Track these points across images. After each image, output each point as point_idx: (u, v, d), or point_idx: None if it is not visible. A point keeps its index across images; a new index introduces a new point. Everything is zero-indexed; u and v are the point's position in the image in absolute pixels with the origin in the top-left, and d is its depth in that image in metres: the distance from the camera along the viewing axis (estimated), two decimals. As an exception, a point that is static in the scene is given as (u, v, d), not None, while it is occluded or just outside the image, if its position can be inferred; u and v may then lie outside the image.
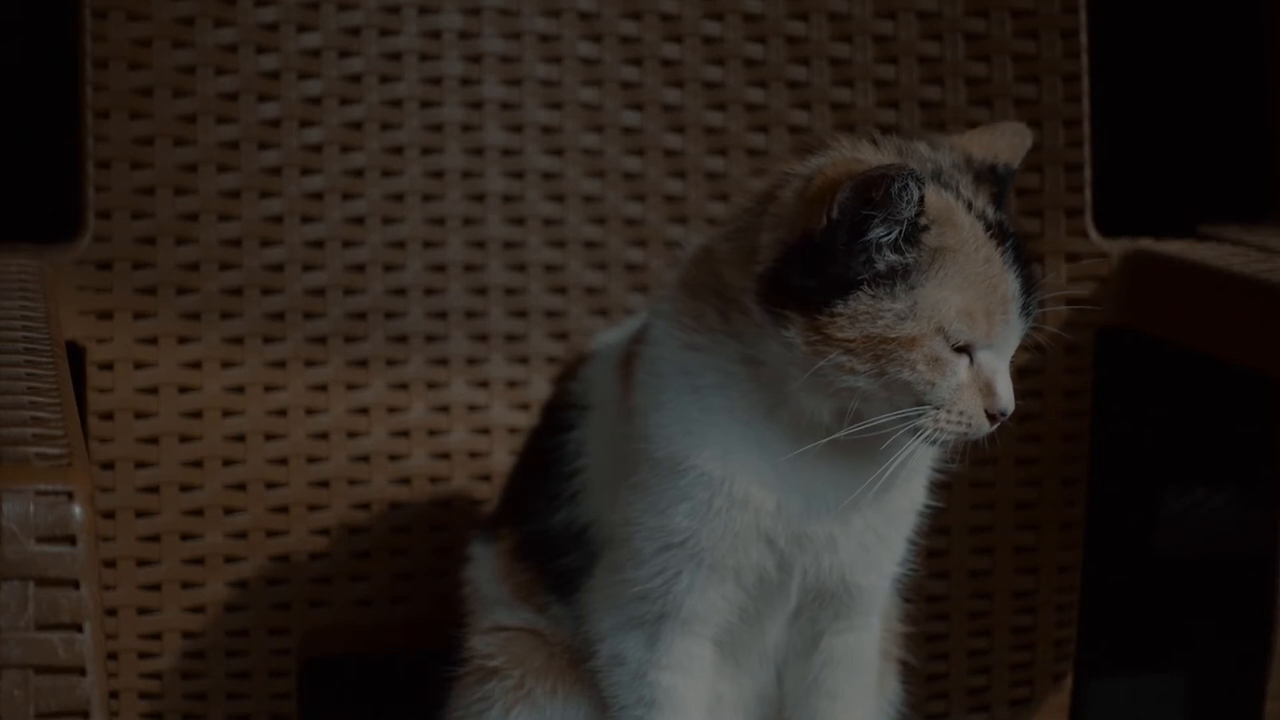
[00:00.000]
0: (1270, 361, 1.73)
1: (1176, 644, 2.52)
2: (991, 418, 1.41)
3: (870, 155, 1.43)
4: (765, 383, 1.44)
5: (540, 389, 1.84)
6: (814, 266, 1.38)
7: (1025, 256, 1.43)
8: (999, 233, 1.41)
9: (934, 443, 1.41)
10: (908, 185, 1.36)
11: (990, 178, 1.46)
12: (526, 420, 1.85)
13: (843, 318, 1.38)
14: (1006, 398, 1.41)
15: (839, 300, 1.38)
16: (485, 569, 1.65)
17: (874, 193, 1.36)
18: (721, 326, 1.45)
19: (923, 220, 1.37)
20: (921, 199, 1.37)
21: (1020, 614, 1.95)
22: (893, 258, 1.37)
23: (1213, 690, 2.47)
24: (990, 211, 1.43)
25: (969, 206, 1.41)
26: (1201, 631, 2.50)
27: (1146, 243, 1.92)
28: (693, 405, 1.46)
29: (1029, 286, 1.42)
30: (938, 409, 1.39)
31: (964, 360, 1.40)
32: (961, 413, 1.40)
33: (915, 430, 1.40)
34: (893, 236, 1.37)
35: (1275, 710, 1.81)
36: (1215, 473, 2.53)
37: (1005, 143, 1.50)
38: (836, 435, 1.42)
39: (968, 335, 1.39)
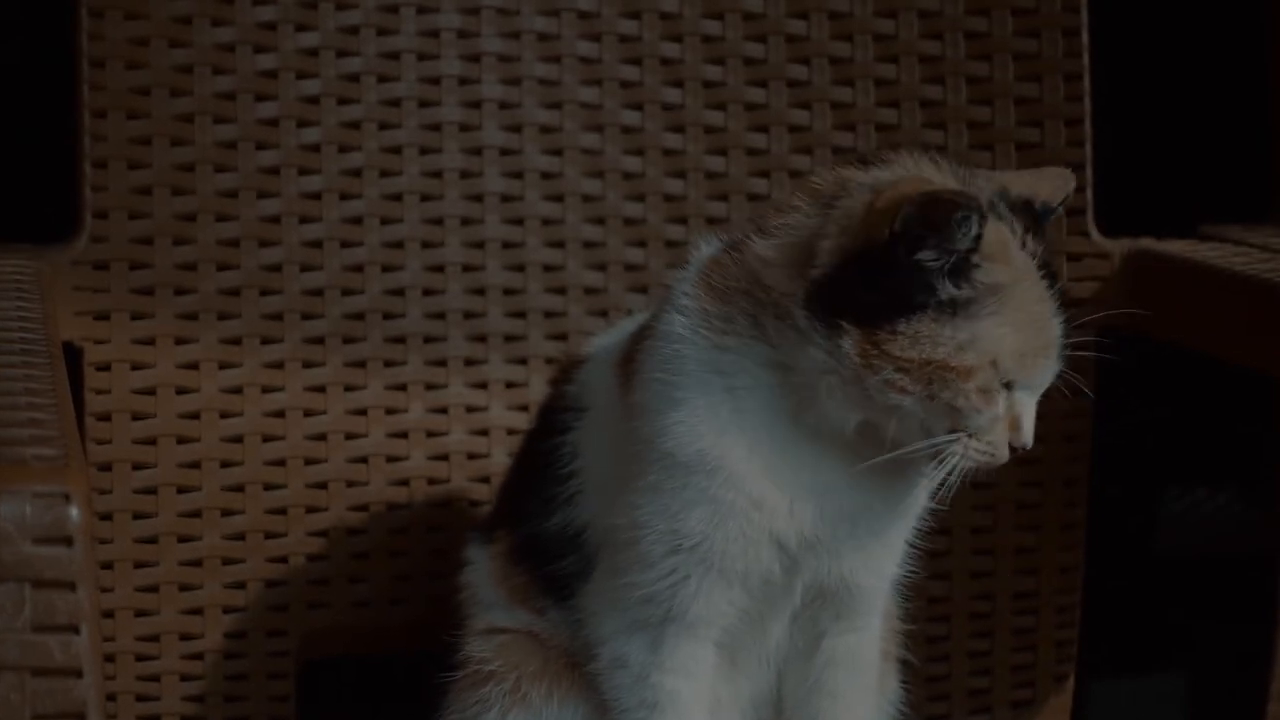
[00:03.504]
0: (1272, 361, 1.73)
1: (1178, 645, 2.52)
2: (1012, 450, 1.43)
3: (934, 175, 1.42)
4: (791, 390, 1.44)
5: (539, 390, 1.84)
6: (875, 279, 1.38)
7: (1064, 300, 1.44)
8: (1049, 273, 1.42)
9: (955, 468, 1.42)
10: (970, 218, 1.36)
11: (1025, 212, 1.45)
12: (525, 421, 1.85)
13: (904, 337, 1.38)
14: (1029, 433, 1.43)
15: (901, 319, 1.38)
16: (481, 572, 1.64)
17: (935, 214, 1.36)
18: (750, 331, 1.44)
19: (975, 258, 1.37)
20: (979, 236, 1.37)
21: (1022, 615, 1.95)
22: (953, 290, 1.38)
23: (1215, 691, 2.47)
24: (1039, 250, 1.43)
25: (1024, 244, 1.42)
26: (1203, 632, 2.49)
27: (1148, 243, 1.92)
28: (725, 405, 1.44)
29: (1066, 331, 1.43)
30: (970, 436, 1.41)
31: (1004, 394, 1.41)
32: (990, 443, 1.41)
33: (943, 456, 1.41)
34: (943, 265, 1.37)
35: (1278, 711, 1.80)
36: (1217, 473, 2.53)
37: (1048, 183, 1.49)
38: (877, 460, 1.42)
39: (1016, 373, 1.41)
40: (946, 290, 1.38)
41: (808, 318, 1.41)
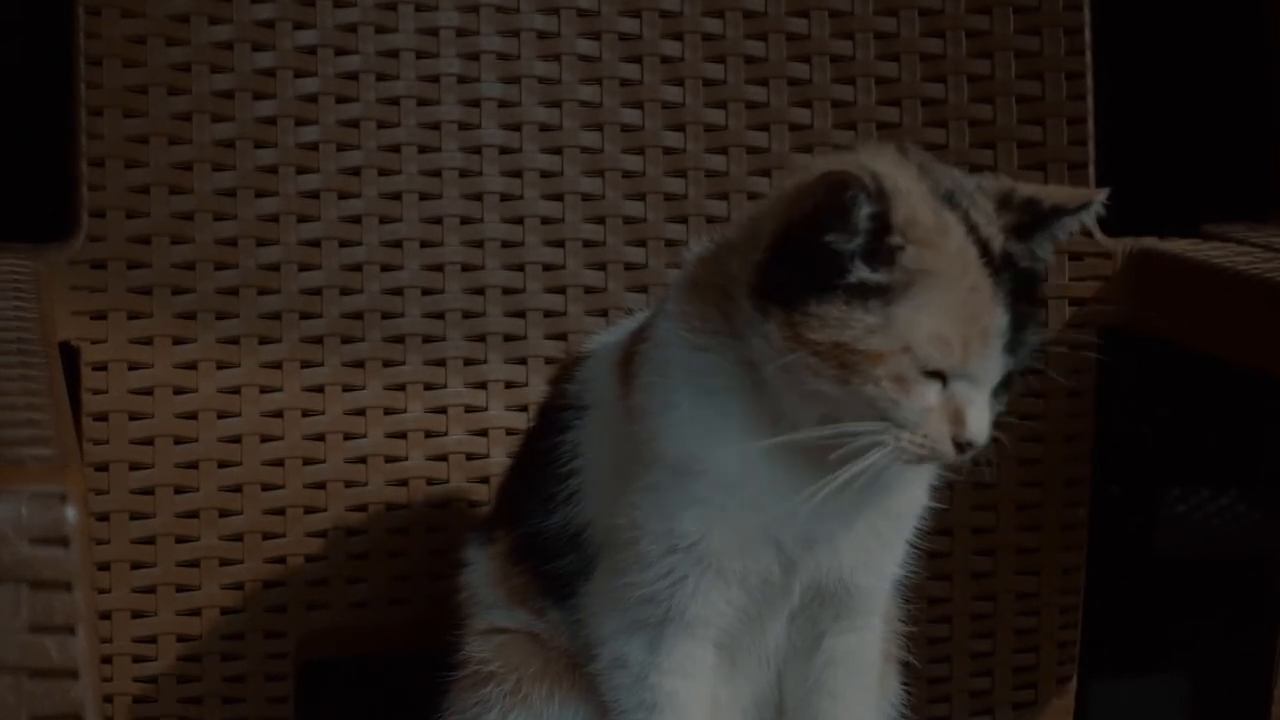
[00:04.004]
0: (1274, 361, 1.73)
1: (1181, 645, 2.52)
2: (959, 447, 1.38)
3: (889, 164, 1.40)
4: (763, 388, 1.42)
5: (539, 390, 1.83)
6: (795, 260, 1.37)
7: (1027, 294, 1.39)
8: (999, 262, 1.38)
9: (896, 460, 1.39)
10: (857, 197, 1.33)
11: (1023, 209, 1.41)
12: (525, 421, 1.84)
13: (815, 319, 1.36)
14: (976, 429, 1.38)
15: (813, 300, 1.36)
16: (480, 573, 1.64)
17: (831, 194, 1.34)
18: (725, 328, 1.43)
19: (895, 239, 1.35)
20: (879, 215, 1.34)
21: (1023, 616, 1.94)
22: (867, 273, 1.35)
23: (1217, 691, 2.47)
24: (999, 240, 1.39)
25: (971, 230, 1.38)
26: (1206, 632, 2.49)
27: (1150, 242, 1.91)
28: (708, 407, 1.44)
29: (1021, 324, 1.38)
30: (900, 428, 1.37)
31: (934, 385, 1.37)
32: (926, 435, 1.37)
33: (876, 445, 1.38)
34: (856, 246, 1.35)
35: (1281, 713, 1.80)
36: (1217, 473, 2.52)
37: (1066, 191, 1.46)
38: (796, 436, 1.40)
39: (938, 361, 1.36)
40: (859, 272, 1.35)
41: (749, 305, 1.40)
